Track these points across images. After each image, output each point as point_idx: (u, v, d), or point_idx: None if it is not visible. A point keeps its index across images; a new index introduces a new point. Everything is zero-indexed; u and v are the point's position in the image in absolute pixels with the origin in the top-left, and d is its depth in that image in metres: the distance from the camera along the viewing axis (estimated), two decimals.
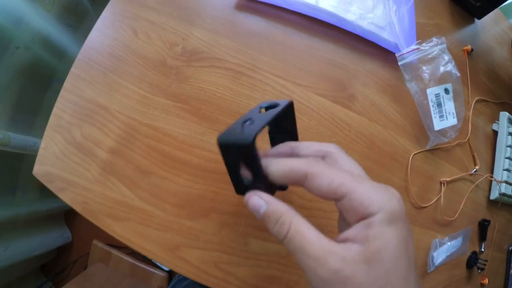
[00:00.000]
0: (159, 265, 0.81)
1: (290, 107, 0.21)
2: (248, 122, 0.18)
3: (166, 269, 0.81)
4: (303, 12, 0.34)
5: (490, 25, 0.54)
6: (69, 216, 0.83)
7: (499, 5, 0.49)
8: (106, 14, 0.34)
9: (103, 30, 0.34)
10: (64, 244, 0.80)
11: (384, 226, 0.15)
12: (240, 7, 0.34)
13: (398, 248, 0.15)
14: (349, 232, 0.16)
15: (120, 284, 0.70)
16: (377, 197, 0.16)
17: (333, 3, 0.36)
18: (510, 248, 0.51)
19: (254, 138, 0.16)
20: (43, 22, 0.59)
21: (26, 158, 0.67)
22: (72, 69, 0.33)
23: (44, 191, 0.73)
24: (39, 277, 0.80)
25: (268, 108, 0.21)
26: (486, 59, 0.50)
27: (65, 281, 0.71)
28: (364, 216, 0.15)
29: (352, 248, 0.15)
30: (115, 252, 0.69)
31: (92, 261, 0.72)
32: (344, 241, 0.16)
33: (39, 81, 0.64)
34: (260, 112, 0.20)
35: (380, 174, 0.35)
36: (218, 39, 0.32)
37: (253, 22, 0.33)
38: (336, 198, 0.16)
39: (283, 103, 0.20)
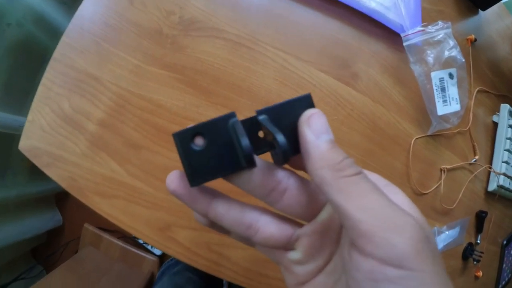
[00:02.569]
0: (150, 249, 0.79)
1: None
2: None
3: (158, 253, 0.79)
4: None
5: (494, 18, 0.53)
6: (60, 199, 0.80)
7: None
8: None
9: None
10: (55, 228, 0.78)
11: None
12: None
13: None
14: None
15: (111, 269, 0.68)
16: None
17: None
18: (504, 242, 0.50)
19: None
20: None
21: (17, 139, 0.64)
22: (63, 38, 0.31)
23: (34, 173, 0.70)
24: (29, 261, 0.77)
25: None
26: (489, 51, 0.49)
27: (55, 264, 0.69)
28: None
29: None
30: (106, 236, 0.67)
31: (83, 245, 0.70)
32: None
33: (31, 59, 0.60)
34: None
35: (382, 157, 0.33)
36: (217, 8, 0.30)
37: None
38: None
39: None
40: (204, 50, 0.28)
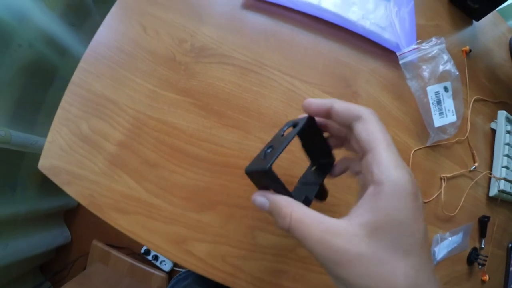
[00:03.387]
0: (159, 265, 0.80)
1: (310, 123, 0.22)
2: (270, 150, 0.21)
3: (166, 270, 0.81)
4: (308, 12, 0.35)
5: (488, 27, 0.56)
6: (68, 215, 0.82)
7: (497, 7, 0.50)
8: (116, 10, 0.35)
9: (112, 25, 0.34)
10: (64, 244, 0.80)
11: (391, 200, 0.15)
12: (247, 6, 0.35)
13: (402, 224, 0.15)
14: (359, 204, 0.16)
15: (119, 285, 0.70)
16: (394, 169, 0.16)
17: (336, 3, 0.37)
18: (510, 245, 0.52)
19: (270, 166, 0.18)
20: (46, 20, 0.60)
21: (27, 156, 0.67)
22: (81, 64, 0.34)
23: (44, 190, 0.72)
24: (37, 277, 0.79)
25: (293, 126, 0.22)
26: (484, 60, 0.52)
27: (64, 281, 0.71)
28: (376, 181, 0.16)
29: (357, 221, 0.15)
30: (114, 252, 0.69)
31: (92, 261, 0.72)
32: (354, 214, 0.16)
33: (41, 79, 0.64)
34: (283, 134, 0.22)
35: None
36: (226, 36, 0.33)
37: (260, 21, 0.34)
38: (364, 150, 0.18)
39: (301, 121, 0.21)
40: (215, 75, 0.32)
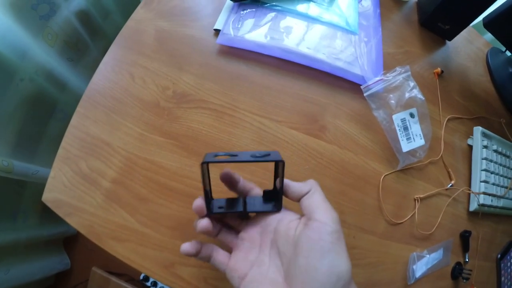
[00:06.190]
0: None
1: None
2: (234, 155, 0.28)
3: None
4: (278, 56, 0.42)
5: (463, 44, 0.62)
6: (68, 243, 0.90)
7: (467, 26, 0.56)
8: (108, 59, 0.43)
9: (105, 74, 0.42)
10: (63, 271, 0.87)
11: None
12: (222, 53, 0.42)
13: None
14: None
15: None
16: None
17: (310, 46, 0.44)
18: (499, 256, 0.56)
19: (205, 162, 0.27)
20: (46, 56, 0.69)
21: (28, 185, 0.75)
22: (78, 109, 0.41)
23: (44, 217, 0.80)
24: None
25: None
26: (458, 78, 0.58)
27: None
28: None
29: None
30: (114, 279, 0.75)
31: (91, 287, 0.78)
32: None
33: (41, 111, 0.73)
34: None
35: (354, 196, 0.42)
36: (203, 82, 0.40)
37: (234, 66, 0.42)
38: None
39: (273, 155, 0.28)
40: (194, 119, 0.39)
